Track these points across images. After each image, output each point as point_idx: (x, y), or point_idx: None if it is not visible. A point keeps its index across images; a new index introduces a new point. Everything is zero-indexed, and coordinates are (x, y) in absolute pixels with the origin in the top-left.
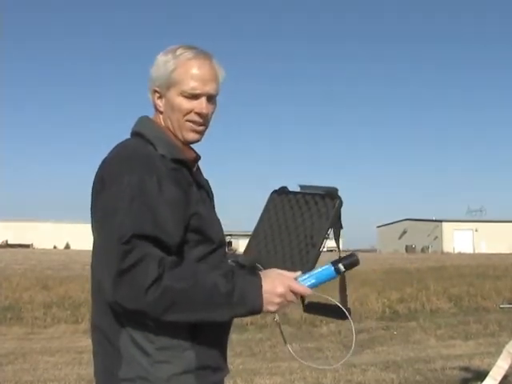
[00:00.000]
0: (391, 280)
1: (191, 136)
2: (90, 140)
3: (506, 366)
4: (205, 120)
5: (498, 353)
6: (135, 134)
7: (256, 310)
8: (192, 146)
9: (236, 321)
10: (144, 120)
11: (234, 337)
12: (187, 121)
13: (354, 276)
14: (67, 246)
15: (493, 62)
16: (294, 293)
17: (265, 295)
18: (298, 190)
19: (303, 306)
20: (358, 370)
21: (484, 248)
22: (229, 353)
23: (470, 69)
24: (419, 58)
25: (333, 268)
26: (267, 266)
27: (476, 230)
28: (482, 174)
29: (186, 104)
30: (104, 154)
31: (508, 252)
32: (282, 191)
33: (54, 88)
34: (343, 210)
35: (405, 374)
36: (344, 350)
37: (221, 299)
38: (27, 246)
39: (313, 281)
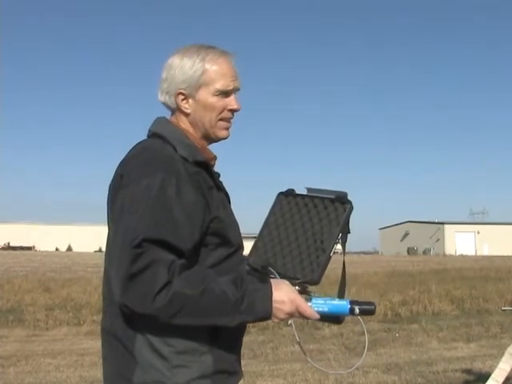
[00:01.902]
0: (393, 282)
1: (224, 133)
2: (93, 142)
3: (508, 368)
4: (234, 115)
5: (500, 355)
6: (155, 134)
7: (264, 318)
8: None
9: None
10: (163, 121)
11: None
12: (220, 119)
13: (357, 278)
14: (69, 249)
15: (495, 62)
16: (301, 314)
17: (274, 305)
18: (305, 192)
19: None
20: (359, 372)
21: (486, 250)
22: None
23: (473, 69)
24: (421, 59)
25: (349, 307)
26: (275, 269)
27: (478, 233)
28: (484, 176)
29: (220, 102)
30: (108, 156)
31: (510, 254)
32: (289, 193)
33: (58, 90)
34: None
35: (407, 377)
36: (346, 353)
37: (229, 306)
38: (29, 249)
39: (326, 309)
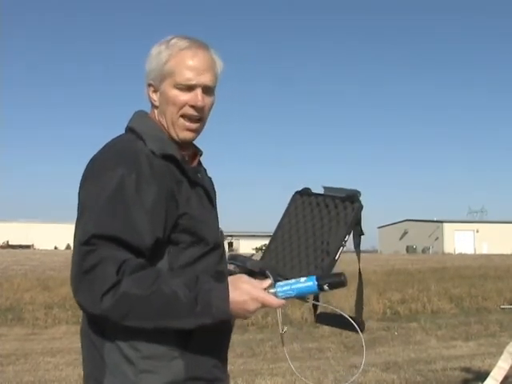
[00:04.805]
0: (392, 281)
1: (185, 134)
2: (93, 142)
3: (507, 367)
4: (201, 114)
5: (499, 353)
6: (128, 129)
7: (224, 319)
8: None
9: (237, 321)
10: (138, 114)
11: (234, 337)
12: (181, 116)
13: (355, 277)
14: (68, 247)
15: (494, 61)
16: (266, 305)
17: (233, 306)
18: (322, 191)
19: (314, 316)
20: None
21: (485, 249)
22: (229, 354)
23: (471, 69)
24: (419, 58)
25: (316, 284)
26: (281, 272)
27: (477, 231)
28: (483, 174)
29: (181, 96)
30: None
31: (509, 253)
32: (305, 193)
33: (58, 90)
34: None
35: (405, 375)
36: (345, 351)
37: (182, 308)
38: (28, 247)
39: (293, 294)
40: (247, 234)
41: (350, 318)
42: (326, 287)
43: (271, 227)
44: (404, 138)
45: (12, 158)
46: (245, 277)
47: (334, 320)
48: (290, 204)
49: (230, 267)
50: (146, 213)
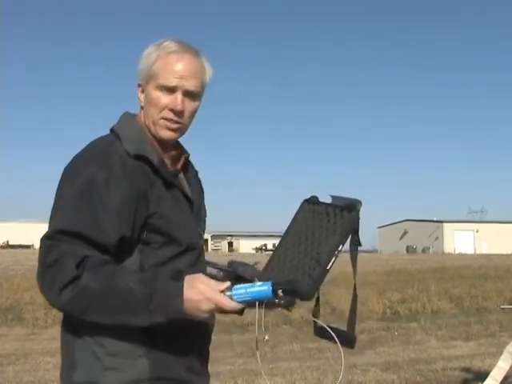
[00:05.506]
0: (392, 281)
1: (165, 133)
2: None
3: (507, 367)
4: (180, 118)
5: (499, 353)
6: (110, 129)
7: (178, 317)
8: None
9: (237, 321)
10: (124, 116)
11: (234, 337)
12: (162, 118)
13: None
14: None
15: (493, 61)
16: (219, 306)
17: (186, 304)
18: (330, 200)
19: (314, 328)
20: (358, 371)
21: (485, 249)
22: (230, 353)
23: (470, 69)
24: (418, 58)
25: (271, 289)
26: (280, 280)
27: (477, 231)
28: (483, 174)
29: (162, 99)
30: None
31: (509, 253)
32: (312, 201)
33: (58, 90)
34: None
35: (405, 375)
36: (345, 351)
37: (137, 304)
38: (28, 247)
39: (248, 297)
40: (247, 233)
41: (341, 331)
42: (280, 292)
43: (271, 227)
44: (404, 137)
45: (12, 158)
46: (202, 277)
47: (331, 334)
48: (297, 212)
49: (213, 271)
50: (113, 211)
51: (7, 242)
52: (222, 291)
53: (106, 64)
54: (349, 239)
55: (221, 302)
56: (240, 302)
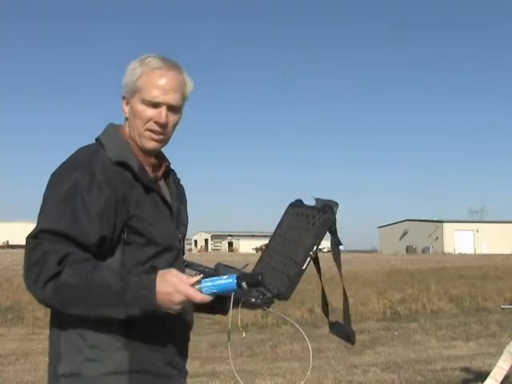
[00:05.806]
0: (392, 281)
1: (150, 144)
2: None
3: (507, 367)
4: (164, 130)
5: (499, 353)
6: (96, 138)
7: (152, 310)
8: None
9: (236, 321)
10: (108, 126)
11: (234, 337)
12: (147, 129)
13: (356, 277)
14: None
15: (493, 65)
16: (189, 298)
17: (158, 296)
18: (314, 203)
19: (329, 324)
20: (358, 371)
21: (485, 249)
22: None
23: (470, 72)
24: (419, 62)
25: (235, 282)
26: (265, 281)
27: (477, 231)
28: (483, 174)
29: (147, 112)
30: None
31: (509, 253)
32: (296, 204)
33: (57, 91)
34: (344, 213)
35: (405, 375)
36: (345, 351)
37: (113, 297)
38: None
39: (214, 290)
40: (247, 233)
41: (346, 327)
42: (244, 285)
43: (271, 227)
44: (404, 138)
45: (12, 158)
46: (174, 271)
47: (341, 331)
48: (283, 215)
49: (192, 273)
50: (94, 213)
51: (7, 242)
52: (193, 284)
53: (106, 64)
54: (328, 240)
55: (189, 293)
56: (208, 295)
